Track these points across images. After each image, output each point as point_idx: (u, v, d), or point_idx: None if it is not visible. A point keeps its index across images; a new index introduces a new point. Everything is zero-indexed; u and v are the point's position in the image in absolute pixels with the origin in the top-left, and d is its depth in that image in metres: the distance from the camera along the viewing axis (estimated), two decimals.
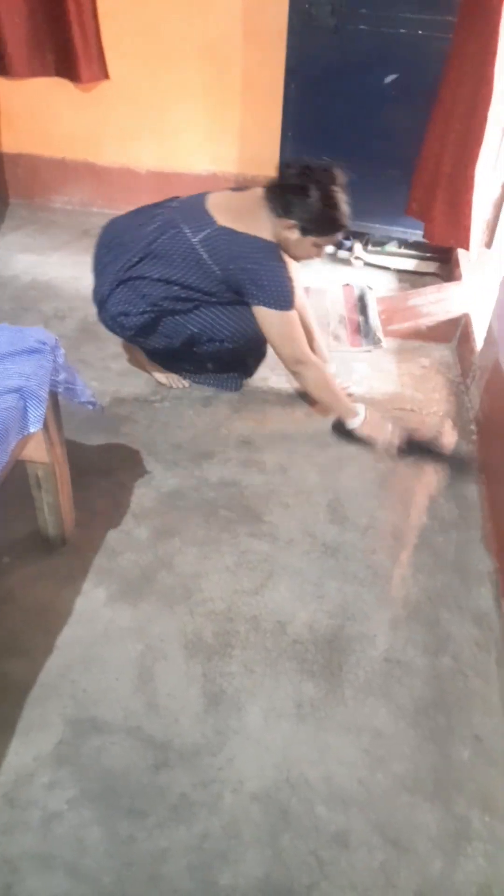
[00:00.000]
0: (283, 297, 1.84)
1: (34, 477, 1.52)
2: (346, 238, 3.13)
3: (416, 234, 2.91)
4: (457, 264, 2.82)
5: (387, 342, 2.53)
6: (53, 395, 1.43)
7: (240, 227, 1.83)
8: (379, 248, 3.09)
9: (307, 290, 2.79)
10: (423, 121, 2.54)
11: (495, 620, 1.55)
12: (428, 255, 3.03)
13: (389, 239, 3.08)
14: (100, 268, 2.01)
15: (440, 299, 2.61)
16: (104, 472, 1.88)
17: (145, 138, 3.27)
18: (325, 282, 2.93)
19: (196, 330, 1.97)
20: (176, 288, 1.90)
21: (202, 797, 1.21)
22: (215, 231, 1.83)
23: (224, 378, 2.24)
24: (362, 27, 2.59)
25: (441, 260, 3.03)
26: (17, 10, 2.89)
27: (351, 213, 1.82)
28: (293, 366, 1.93)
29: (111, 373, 2.29)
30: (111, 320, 1.99)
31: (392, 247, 3.09)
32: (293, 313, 1.87)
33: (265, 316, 1.87)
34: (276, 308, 1.84)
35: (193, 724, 1.31)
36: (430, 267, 3.03)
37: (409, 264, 3.05)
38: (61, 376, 1.40)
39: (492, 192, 2.57)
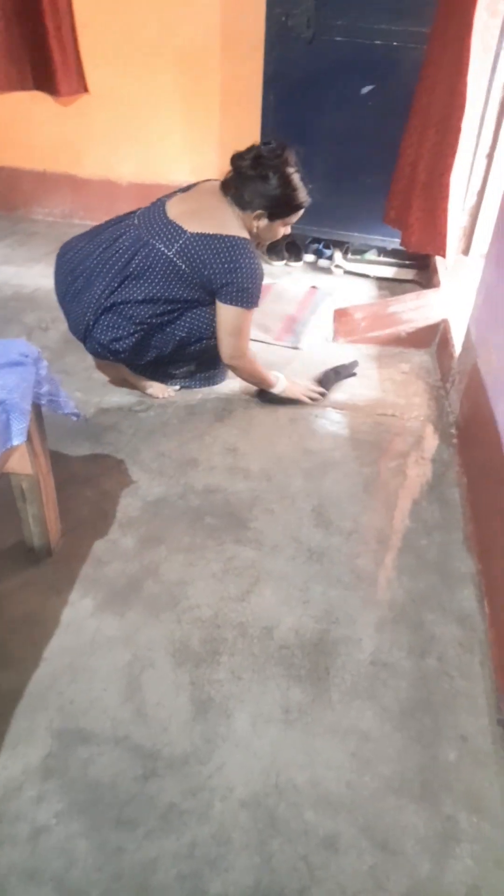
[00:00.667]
0: (252, 297, 1.91)
1: (18, 489, 1.52)
2: (327, 247, 3.17)
3: (395, 243, 2.95)
4: (435, 271, 2.86)
5: (338, 347, 2.59)
6: (37, 407, 1.43)
7: (211, 228, 1.85)
8: (358, 257, 3.13)
9: (270, 286, 2.84)
10: (399, 130, 2.58)
11: (478, 621, 1.56)
12: (407, 262, 3.07)
13: (369, 247, 3.12)
14: (70, 296, 1.98)
15: (419, 306, 2.64)
16: (89, 481, 1.88)
17: (125, 149, 3.29)
18: (294, 284, 2.96)
19: (184, 334, 2.00)
20: (161, 304, 1.91)
21: (191, 805, 1.21)
22: (188, 239, 1.85)
23: (209, 375, 2.27)
24: (338, 38, 2.63)
25: (419, 267, 3.07)
26: None
27: (308, 188, 1.91)
28: (230, 360, 2.03)
29: (95, 383, 2.29)
30: (102, 348, 1.98)
31: (371, 255, 3.12)
32: (252, 313, 1.95)
33: (228, 312, 1.92)
34: (241, 306, 1.91)
35: (182, 732, 1.31)
36: (409, 274, 3.07)
37: (389, 272, 3.09)
38: (44, 388, 1.41)
39: (468, 199, 2.61)
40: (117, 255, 1.90)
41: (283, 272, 3.13)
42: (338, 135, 2.82)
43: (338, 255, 3.13)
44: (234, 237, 1.85)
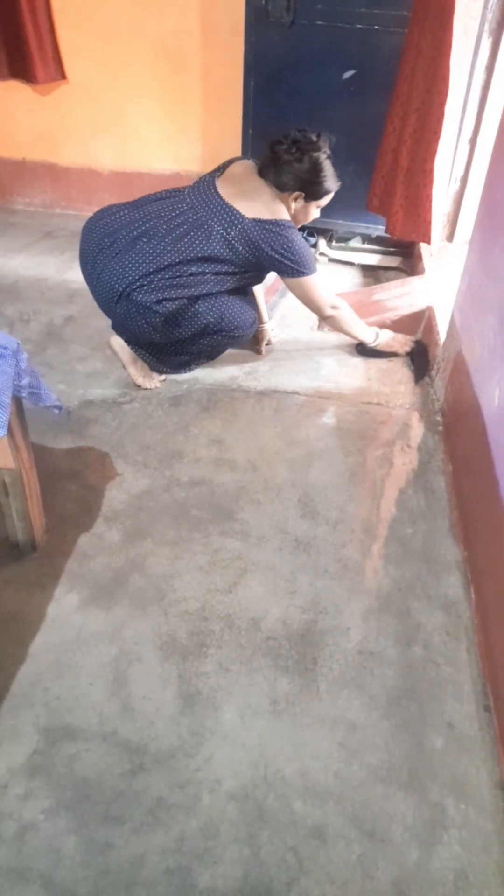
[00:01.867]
0: (310, 265, 2.08)
1: (1, 483, 1.50)
2: (311, 235, 3.15)
3: (379, 230, 2.94)
4: (419, 258, 2.85)
5: (323, 335, 2.60)
6: (17, 400, 1.41)
7: (265, 214, 1.99)
8: (343, 244, 3.11)
9: None
10: (381, 115, 2.55)
11: (464, 608, 1.57)
12: (391, 249, 3.06)
13: (353, 235, 3.10)
14: (107, 257, 1.99)
15: (404, 293, 2.63)
16: (73, 475, 1.86)
17: (105, 138, 3.24)
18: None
19: (212, 320, 2.06)
20: (207, 265, 2.00)
21: (179, 799, 1.20)
22: (247, 225, 1.97)
23: (179, 362, 2.30)
24: (319, 23, 2.59)
25: (404, 254, 3.06)
26: None
27: (336, 172, 2.06)
28: (331, 311, 2.20)
29: (78, 375, 2.27)
30: (140, 308, 1.98)
31: (356, 242, 3.11)
32: (316, 272, 2.11)
33: (304, 284, 2.10)
34: (310, 274, 2.08)
35: (169, 726, 1.31)
36: (394, 261, 3.06)
37: (373, 259, 3.07)
38: (24, 381, 1.39)
39: (451, 185, 2.59)
40: (172, 225, 1.98)
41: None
42: (320, 121, 2.76)
43: (322, 242, 3.11)
44: (284, 222, 2.00)
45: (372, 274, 3.03)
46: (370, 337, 2.38)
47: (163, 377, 2.26)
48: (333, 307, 2.21)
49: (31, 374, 1.41)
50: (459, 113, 2.40)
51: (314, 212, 2.13)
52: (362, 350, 2.46)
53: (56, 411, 1.49)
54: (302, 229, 3.15)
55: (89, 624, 1.48)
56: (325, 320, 2.28)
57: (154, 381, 2.23)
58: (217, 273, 2.02)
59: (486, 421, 1.64)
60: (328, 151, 2.01)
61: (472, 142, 2.54)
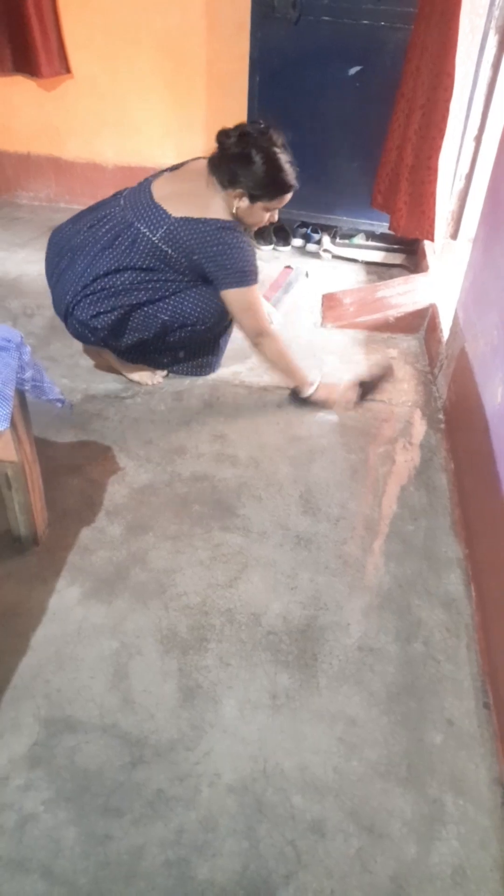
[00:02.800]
0: (248, 274, 1.87)
1: (3, 476, 1.50)
2: (315, 231, 3.14)
3: (383, 227, 2.93)
4: (423, 255, 2.84)
5: (326, 332, 2.57)
6: (20, 394, 1.41)
7: (195, 212, 1.82)
8: (347, 241, 3.10)
9: None
10: (386, 112, 2.55)
11: (465, 605, 1.57)
12: (395, 246, 3.06)
13: (357, 231, 3.10)
14: (56, 276, 1.97)
15: (407, 290, 2.63)
16: (75, 469, 1.86)
17: (110, 132, 3.24)
18: (275, 268, 2.95)
19: (167, 318, 1.96)
20: (143, 281, 1.89)
21: (179, 792, 1.21)
22: (173, 224, 1.82)
23: (198, 363, 2.24)
24: (324, 18, 2.58)
25: (408, 252, 3.05)
26: None
27: (295, 172, 1.83)
28: (255, 337, 1.97)
29: (81, 369, 2.27)
30: (81, 326, 1.95)
31: (360, 239, 3.10)
32: (256, 287, 1.90)
33: (233, 295, 1.89)
34: (242, 286, 1.87)
35: (169, 719, 1.31)
36: (398, 259, 3.06)
37: (377, 256, 3.07)
38: (28, 374, 1.39)
39: (456, 183, 2.59)
40: (100, 233, 1.88)
41: (272, 256, 3.10)
42: (325, 117, 2.79)
43: (326, 239, 3.11)
44: (217, 220, 1.82)
45: (375, 271, 3.03)
46: (305, 384, 2.06)
47: (164, 373, 2.25)
48: (261, 335, 1.95)
49: (35, 367, 1.41)
50: (465, 110, 2.40)
51: (264, 215, 1.89)
52: (294, 398, 2.12)
53: (59, 405, 1.50)
54: (304, 225, 3.16)
55: (90, 617, 1.48)
56: (253, 347, 2.02)
57: (156, 377, 2.23)
58: (155, 280, 1.89)
59: (489, 418, 1.64)
60: (281, 148, 1.79)
61: (478, 139, 2.54)
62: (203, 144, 3.18)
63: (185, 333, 2.04)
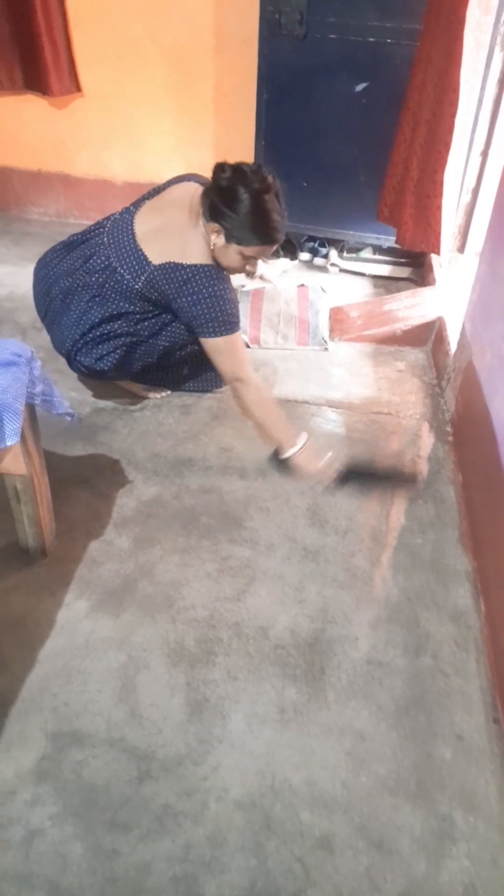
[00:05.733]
0: (228, 324, 1.75)
1: (12, 489, 1.51)
2: (322, 245, 3.16)
3: (390, 241, 2.95)
4: (430, 269, 2.85)
5: (334, 345, 2.57)
6: (30, 407, 1.43)
7: (174, 255, 1.75)
8: (354, 255, 3.12)
9: (262, 289, 2.83)
10: (392, 127, 2.57)
11: (474, 619, 1.56)
12: (402, 260, 3.07)
13: (364, 245, 3.11)
14: (49, 318, 1.97)
15: (415, 304, 2.63)
16: (84, 481, 1.87)
17: (119, 148, 3.28)
18: (284, 283, 2.95)
19: (168, 343, 1.96)
20: (136, 316, 1.88)
21: (186, 807, 1.20)
22: (153, 273, 1.77)
23: (203, 379, 2.24)
24: (331, 36, 2.62)
25: (415, 265, 3.07)
26: None
27: (283, 226, 1.70)
28: (232, 381, 1.79)
29: (90, 383, 2.28)
30: (87, 370, 1.96)
31: (367, 253, 3.12)
32: (237, 335, 1.79)
33: (210, 344, 1.78)
34: (222, 335, 1.76)
35: (177, 733, 1.31)
36: (405, 272, 3.07)
37: (384, 270, 3.08)
38: (38, 388, 1.40)
39: (463, 197, 2.60)
40: (89, 280, 1.86)
41: (279, 271, 3.12)
42: (331, 132, 2.82)
43: (333, 253, 3.12)
44: (195, 266, 1.73)
45: (383, 284, 3.04)
46: (286, 444, 1.73)
47: (166, 391, 2.25)
48: (239, 380, 1.76)
49: (45, 381, 1.42)
50: (471, 125, 2.41)
51: (240, 262, 1.75)
52: (272, 458, 1.80)
53: (68, 418, 1.51)
54: (311, 239, 3.18)
55: (98, 630, 1.49)
56: (233, 387, 1.80)
57: (157, 391, 2.24)
58: (149, 318, 1.88)
59: (497, 431, 1.64)
60: (273, 196, 1.66)
61: (484, 154, 2.55)
62: (211, 160, 3.19)
63: (187, 352, 2.05)
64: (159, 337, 1.94)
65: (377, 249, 3.11)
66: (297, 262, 3.19)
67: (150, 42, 2.95)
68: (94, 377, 2.03)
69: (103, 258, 1.85)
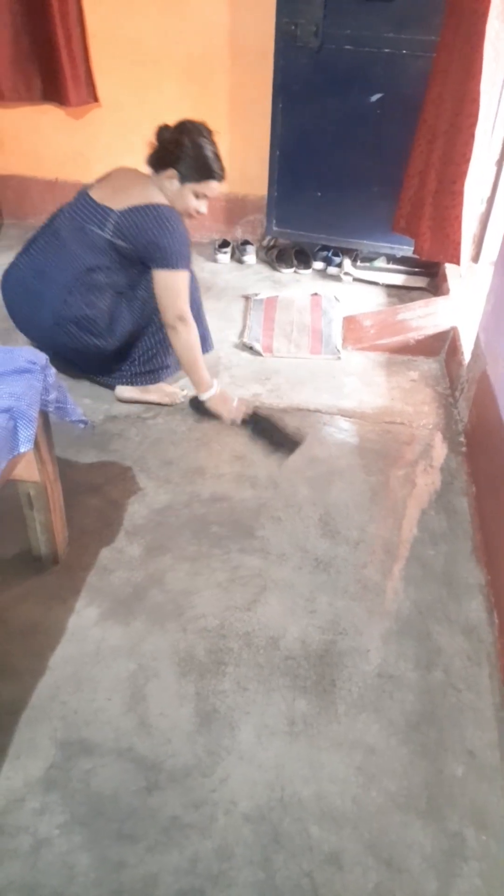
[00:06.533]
0: (182, 257, 1.94)
1: (25, 496, 1.52)
2: (336, 255, 3.16)
3: (404, 250, 2.94)
4: (444, 279, 2.84)
5: (346, 354, 2.56)
6: (44, 415, 1.43)
7: (135, 200, 1.92)
8: (367, 264, 3.12)
9: (276, 297, 2.84)
10: (407, 138, 2.57)
11: (486, 633, 1.54)
12: (416, 269, 3.06)
13: (378, 255, 3.11)
14: (31, 300, 2.01)
15: (428, 313, 2.62)
16: (96, 489, 1.88)
17: (135, 158, 3.28)
18: (297, 292, 2.96)
19: (146, 294, 2.02)
20: (113, 267, 1.97)
21: (194, 819, 1.19)
22: (119, 219, 1.91)
23: (151, 369, 2.22)
24: (347, 47, 2.63)
25: (429, 275, 3.06)
26: (3, 35, 2.91)
27: (220, 167, 1.97)
28: (175, 321, 1.99)
29: (103, 389, 2.29)
30: (80, 320, 1.98)
31: (380, 262, 3.11)
32: (186, 273, 1.97)
33: (164, 277, 1.95)
34: (174, 268, 1.94)
35: (185, 744, 1.30)
36: (419, 282, 3.06)
37: (398, 279, 3.07)
38: (52, 395, 1.41)
39: (477, 206, 2.60)
40: (61, 244, 1.97)
41: (292, 280, 3.12)
42: (346, 142, 2.82)
43: (347, 262, 3.12)
44: (157, 205, 1.92)
45: (396, 294, 3.03)
46: (202, 388, 2.08)
47: (182, 390, 2.27)
48: (181, 320, 1.98)
49: (59, 388, 1.43)
50: (489, 135, 2.41)
51: (193, 200, 1.98)
52: (192, 402, 2.17)
53: (81, 426, 1.51)
54: (325, 249, 3.18)
55: (108, 638, 1.48)
56: (169, 331, 2.03)
57: (174, 392, 2.25)
58: (124, 270, 1.98)
59: None
60: (210, 141, 1.94)
61: (499, 164, 2.54)
62: (227, 169, 3.23)
63: (147, 341, 2.12)
64: (138, 289, 2.02)
65: (391, 259, 3.11)
66: (310, 271, 3.19)
67: (167, 53, 2.97)
68: (86, 347, 2.03)
69: (70, 226, 1.97)
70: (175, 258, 1.93)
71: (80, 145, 3.29)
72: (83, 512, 1.79)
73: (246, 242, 3.28)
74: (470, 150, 2.33)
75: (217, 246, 3.26)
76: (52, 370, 1.39)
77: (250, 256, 3.23)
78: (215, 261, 3.23)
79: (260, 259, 3.28)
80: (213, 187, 1.99)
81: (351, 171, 2.88)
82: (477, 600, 1.62)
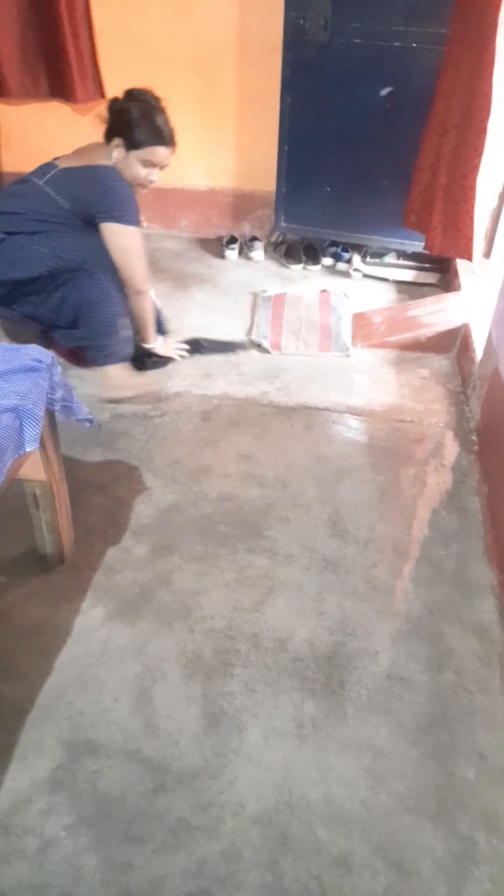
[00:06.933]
0: (130, 212, 1.94)
1: (31, 495, 1.51)
2: (345, 250, 3.13)
3: (415, 246, 2.92)
4: (456, 275, 2.81)
5: (356, 351, 2.54)
6: (50, 413, 1.42)
7: (79, 163, 1.95)
8: (377, 260, 3.09)
9: (284, 294, 2.82)
10: (417, 132, 2.55)
11: (498, 634, 1.52)
12: (427, 265, 3.03)
13: (388, 250, 3.08)
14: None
15: (439, 310, 2.60)
16: (102, 488, 1.87)
17: None
18: (306, 288, 2.94)
19: (47, 251, 1.96)
20: (36, 217, 1.94)
21: (201, 821, 1.18)
22: (58, 172, 1.94)
23: (101, 347, 2.14)
24: (356, 41, 2.60)
25: (440, 270, 3.03)
26: (10, 32, 2.90)
27: (171, 132, 1.97)
28: (143, 284, 2.06)
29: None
30: (23, 238, 1.95)
31: (390, 258, 3.09)
32: (139, 233, 1.98)
33: (116, 231, 1.94)
34: (125, 223, 1.93)
35: (193, 745, 1.29)
36: (429, 278, 3.03)
37: (408, 275, 3.04)
38: (58, 394, 1.40)
39: (489, 202, 2.56)
40: (9, 196, 2.00)
41: (301, 276, 3.10)
42: (355, 137, 2.80)
43: (356, 258, 3.10)
44: (96, 165, 1.93)
45: (406, 290, 3.00)
46: (152, 339, 2.29)
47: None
48: (140, 293, 2.07)
49: (65, 387, 1.42)
50: (501, 129, 2.37)
51: (140, 169, 1.97)
52: (140, 360, 2.32)
53: (87, 424, 1.50)
54: (334, 245, 3.15)
55: (115, 638, 1.48)
56: (136, 295, 2.09)
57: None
58: (46, 220, 1.95)
59: None
60: (158, 109, 1.94)
61: None
62: (235, 165, 3.21)
63: (76, 295, 2.01)
64: (40, 239, 1.96)
65: (401, 254, 3.08)
66: (319, 267, 3.17)
67: (175, 49, 2.95)
68: (25, 266, 1.97)
69: (23, 182, 2.00)
70: (120, 212, 1.92)
71: (86, 141, 3.27)
72: (89, 511, 1.79)
73: (254, 238, 3.26)
74: (482, 144, 2.30)
75: (225, 242, 3.24)
76: (59, 368, 1.38)
77: (258, 253, 3.21)
78: (223, 257, 3.21)
79: (268, 255, 3.26)
80: (160, 153, 1.98)
81: (360, 165, 2.85)
82: (489, 601, 1.60)
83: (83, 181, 1.92)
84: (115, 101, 1.97)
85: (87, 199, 1.91)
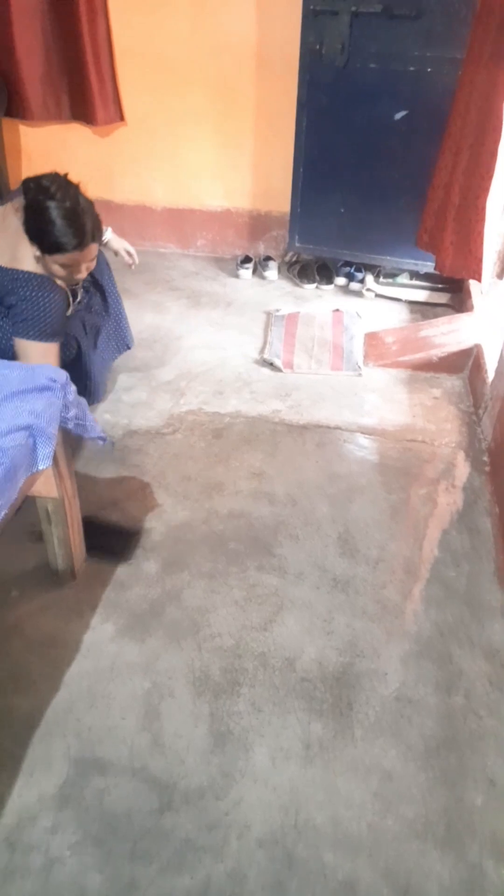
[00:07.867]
0: (45, 329, 1.76)
1: (44, 511, 1.53)
2: (358, 270, 3.16)
3: (427, 266, 2.93)
4: (468, 295, 2.82)
5: (368, 371, 2.54)
6: (63, 431, 1.44)
7: (3, 261, 1.73)
8: (390, 280, 3.11)
9: (297, 313, 2.83)
10: (432, 155, 2.57)
11: None
12: (439, 286, 3.04)
13: (401, 271, 3.10)
14: None
15: (452, 330, 2.60)
16: (114, 504, 1.88)
17: (159, 175, 3.34)
18: (319, 308, 2.96)
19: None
20: None
21: (207, 842, 1.18)
22: None
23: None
24: (371, 65, 2.64)
25: (452, 291, 3.04)
26: (34, 54, 2.98)
27: (78, 230, 1.65)
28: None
29: (123, 405, 2.31)
30: None
31: (403, 278, 3.10)
32: (55, 346, 1.80)
33: (24, 347, 1.76)
34: (36, 340, 1.76)
35: (199, 764, 1.29)
36: (442, 298, 3.04)
37: (421, 295, 3.06)
38: (71, 412, 1.42)
39: (500, 223, 2.58)
40: None
41: (314, 295, 3.12)
42: (370, 158, 2.83)
43: (369, 278, 3.12)
44: (20, 272, 1.73)
45: (419, 310, 3.02)
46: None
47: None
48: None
49: (78, 405, 1.44)
50: None
51: (60, 270, 1.74)
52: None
53: (101, 442, 1.52)
54: (348, 265, 3.18)
55: (124, 654, 1.48)
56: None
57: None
58: None
59: None
60: (59, 201, 1.62)
61: None
62: (250, 186, 3.26)
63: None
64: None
65: (414, 275, 3.09)
66: (332, 286, 3.19)
67: (193, 71, 3.01)
68: None
69: None
70: (35, 330, 1.74)
71: (106, 161, 3.34)
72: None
73: (268, 258, 3.30)
74: (494, 166, 2.32)
75: (239, 261, 3.28)
76: (72, 387, 1.40)
77: (272, 272, 3.25)
78: (237, 276, 3.25)
79: (282, 274, 3.29)
80: (74, 257, 1.71)
81: (374, 187, 2.88)
82: (500, 623, 1.59)
83: (5, 282, 1.73)
84: (27, 190, 1.67)
85: (8, 301, 1.75)
